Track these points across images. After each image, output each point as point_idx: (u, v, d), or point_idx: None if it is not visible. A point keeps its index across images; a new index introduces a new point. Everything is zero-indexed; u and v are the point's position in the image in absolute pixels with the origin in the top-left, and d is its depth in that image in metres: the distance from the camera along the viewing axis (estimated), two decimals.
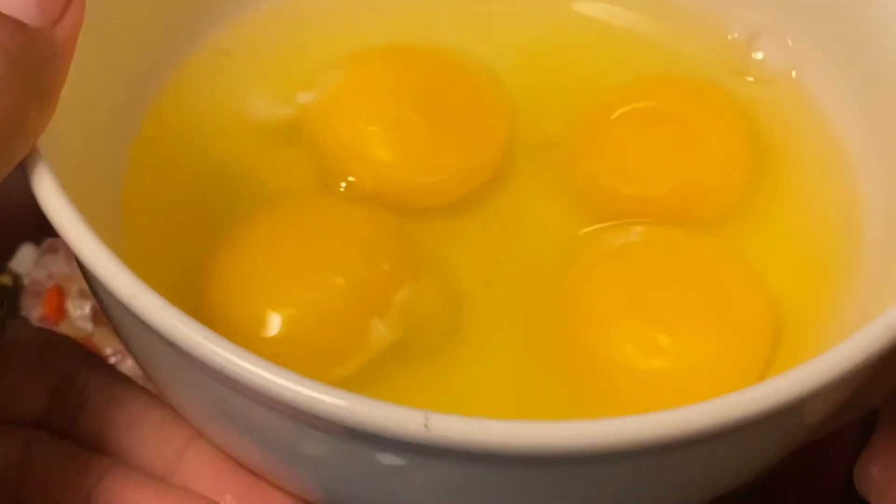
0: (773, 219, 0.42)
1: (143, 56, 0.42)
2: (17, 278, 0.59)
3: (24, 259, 0.59)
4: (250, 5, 0.45)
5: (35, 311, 0.58)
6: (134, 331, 0.34)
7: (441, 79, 0.43)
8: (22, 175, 0.33)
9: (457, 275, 0.40)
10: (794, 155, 0.43)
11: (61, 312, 0.58)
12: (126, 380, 0.39)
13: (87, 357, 0.39)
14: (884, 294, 0.37)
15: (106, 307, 0.35)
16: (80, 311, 0.58)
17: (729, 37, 0.45)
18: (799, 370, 0.30)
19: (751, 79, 0.44)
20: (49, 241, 0.59)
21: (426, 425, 0.29)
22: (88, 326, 0.58)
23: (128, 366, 0.53)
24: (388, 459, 0.32)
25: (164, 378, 0.35)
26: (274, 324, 0.36)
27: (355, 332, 0.37)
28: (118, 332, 0.36)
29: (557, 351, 0.38)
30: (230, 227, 0.39)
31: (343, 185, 0.40)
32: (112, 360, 0.55)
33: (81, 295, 0.58)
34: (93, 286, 0.36)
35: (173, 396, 0.36)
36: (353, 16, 0.45)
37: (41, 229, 0.35)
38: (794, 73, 0.44)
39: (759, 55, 0.44)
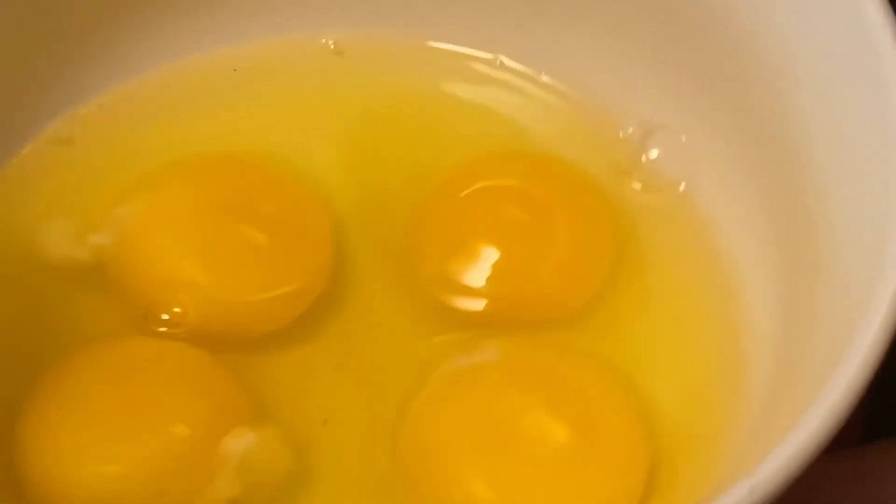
0: (646, 339, 0.38)
1: None
2: None
3: None
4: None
5: None
6: None
7: (247, 190, 0.39)
8: None
9: (302, 411, 0.36)
10: (673, 271, 0.39)
11: None
12: None
13: None
14: (779, 400, 0.34)
15: None
16: None
17: (621, 134, 0.41)
18: None
19: (638, 185, 0.40)
20: None
21: None
22: None
23: None
24: None
25: None
26: (92, 484, 0.34)
27: (186, 490, 0.34)
28: None
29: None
30: (38, 373, 0.36)
31: (163, 328, 0.37)
32: None
33: None
34: None
35: None
36: (165, 123, 0.41)
37: None
38: (682, 186, 0.40)
39: (652, 154, 0.41)
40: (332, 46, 0.43)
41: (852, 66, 0.33)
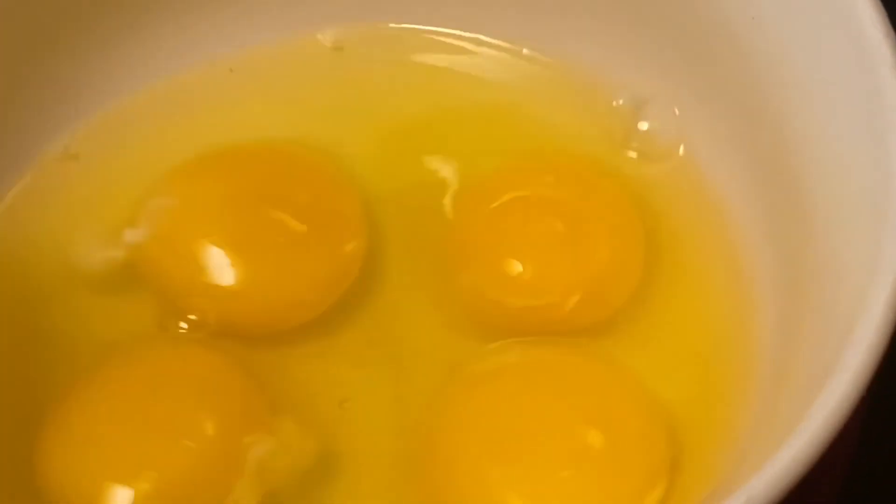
0: (666, 317, 0.38)
1: None
2: None
3: None
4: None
5: None
6: None
7: (281, 181, 0.39)
8: None
9: (325, 399, 0.37)
10: (685, 241, 0.39)
11: None
12: None
13: None
14: (777, 405, 0.34)
15: None
16: None
17: (613, 103, 0.41)
18: None
19: (634, 154, 0.41)
20: None
21: None
22: None
23: None
24: None
25: None
26: (114, 495, 0.34)
27: (211, 496, 0.34)
28: None
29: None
30: (59, 387, 0.36)
31: (184, 325, 0.37)
32: None
33: None
34: None
35: None
36: (182, 118, 0.41)
37: None
38: (681, 149, 0.40)
39: (645, 126, 0.41)
40: (330, 44, 0.43)
41: (846, 70, 0.33)
